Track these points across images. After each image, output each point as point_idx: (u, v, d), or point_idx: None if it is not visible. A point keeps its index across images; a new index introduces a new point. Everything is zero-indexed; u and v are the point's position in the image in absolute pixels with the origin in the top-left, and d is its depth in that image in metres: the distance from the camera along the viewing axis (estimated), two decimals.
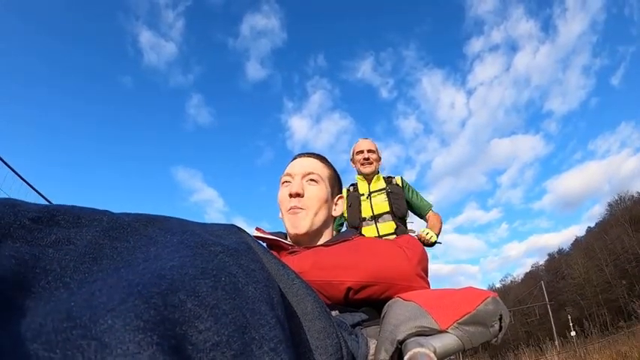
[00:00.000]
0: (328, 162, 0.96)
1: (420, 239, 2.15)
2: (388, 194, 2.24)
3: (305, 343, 0.36)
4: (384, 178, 2.37)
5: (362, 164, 2.31)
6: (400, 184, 2.32)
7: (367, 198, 2.28)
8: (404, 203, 2.25)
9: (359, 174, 2.37)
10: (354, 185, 2.39)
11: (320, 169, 0.91)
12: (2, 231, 0.26)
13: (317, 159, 0.94)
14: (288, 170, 0.92)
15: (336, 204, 0.94)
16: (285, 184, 0.90)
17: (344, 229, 2.36)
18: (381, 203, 2.24)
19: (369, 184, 2.32)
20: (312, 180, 0.88)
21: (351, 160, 2.45)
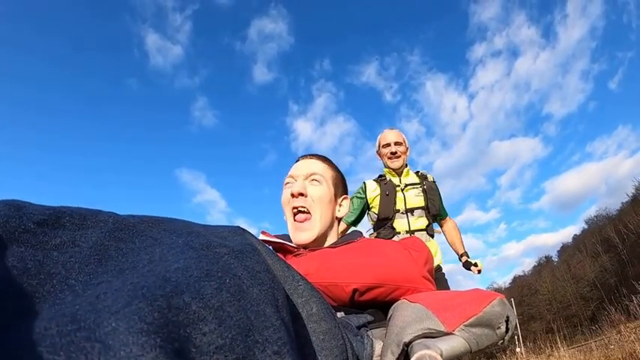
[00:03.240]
0: (331, 163, 0.96)
1: (477, 270, 2.11)
2: (425, 190, 2.17)
3: (310, 344, 0.35)
4: (416, 173, 2.29)
5: (389, 158, 2.20)
6: (434, 182, 2.26)
7: (400, 190, 2.19)
8: (438, 202, 2.19)
9: (386, 167, 2.27)
10: (383, 177, 2.27)
11: (322, 170, 0.90)
12: (7, 235, 0.26)
13: (320, 160, 0.94)
14: (290, 172, 0.91)
15: (340, 205, 0.93)
16: (288, 185, 0.90)
17: (365, 225, 2.32)
18: (416, 197, 2.16)
19: (399, 176, 2.23)
20: (314, 180, 0.88)
21: (377, 152, 2.35)
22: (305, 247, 0.84)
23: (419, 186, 2.20)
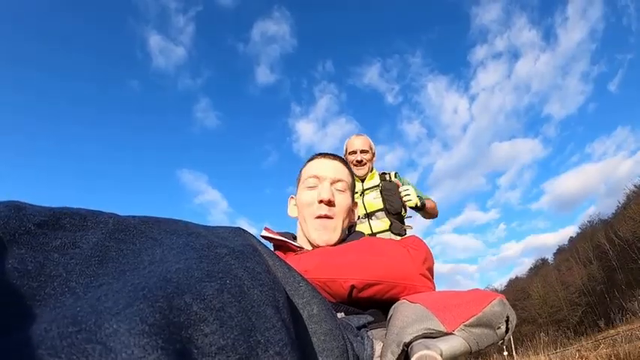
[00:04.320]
0: (350, 167, 0.93)
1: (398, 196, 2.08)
2: (381, 191, 2.18)
3: (311, 345, 0.35)
4: (378, 174, 2.29)
5: (354, 165, 2.22)
6: (393, 180, 2.24)
7: (360, 196, 2.21)
8: (398, 199, 2.15)
9: None
10: None
11: (346, 177, 0.88)
12: (7, 237, 0.26)
13: (344, 164, 0.90)
14: (315, 171, 0.86)
15: (353, 211, 0.92)
16: (312, 188, 0.85)
17: None
18: (374, 201, 2.17)
19: (362, 182, 2.25)
20: (339, 189, 0.85)
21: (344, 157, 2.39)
22: (310, 247, 0.84)
23: (377, 188, 2.20)
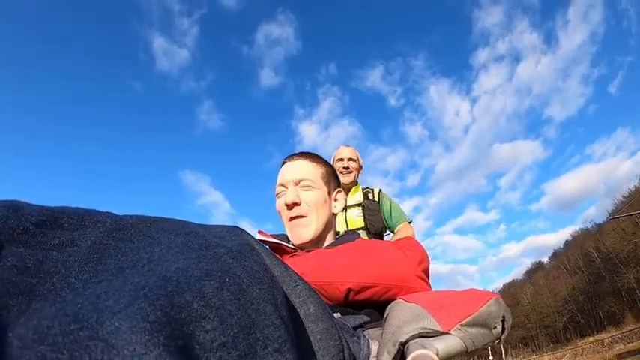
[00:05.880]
0: (318, 159, 0.93)
1: None
2: (364, 210, 2.20)
3: (308, 343, 0.35)
4: (362, 190, 2.31)
5: (341, 172, 2.25)
6: (377, 199, 2.26)
7: (342, 211, 2.21)
8: (380, 219, 2.19)
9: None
10: None
11: (311, 172, 0.89)
12: (6, 236, 0.26)
13: (306, 159, 0.91)
14: (279, 180, 0.90)
15: (335, 199, 0.92)
16: (280, 194, 0.89)
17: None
18: (356, 218, 2.20)
19: (346, 194, 2.24)
20: (306, 186, 0.86)
21: None
22: (302, 247, 0.84)
23: (360, 206, 2.22)
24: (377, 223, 2.18)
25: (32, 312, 0.21)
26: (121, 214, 0.36)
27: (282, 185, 0.88)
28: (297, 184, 0.87)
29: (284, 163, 0.93)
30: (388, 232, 2.29)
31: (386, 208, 2.25)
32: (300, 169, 0.89)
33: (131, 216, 0.35)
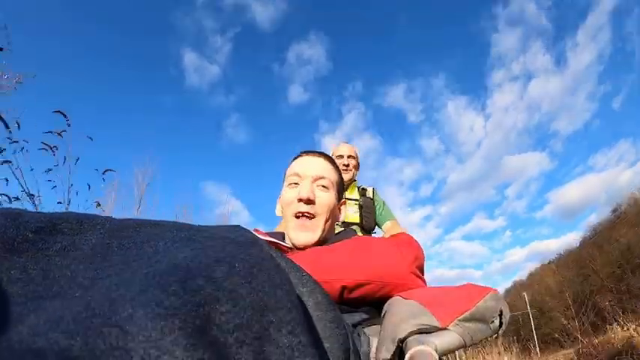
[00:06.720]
0: (335, 165, 0.90)
1: None
2: (360, 206, 2.23)
3: (316, 330, 0.35)
4: (358, 188, 2.34)
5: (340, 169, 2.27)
6: (372, 197, 2.30)
7: None
8: (373, 218, 2.25)
9: None
10: None
11: (330, 174, 0.85)
12: (7, 246, 0.26)
13: (328, 161, 0.87)
14: (296, 169, 0.84)
15: (339, 209, 0.90)
16: (293, 185, 0.83)
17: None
18: (352, 214, 2.23)
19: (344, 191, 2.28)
20: (323, 186, 0.82)
21: None
22: (298, 247, 0.82)
23: (356, 202, 2.26)
24: (370, 221, 2.22)
25: (42, 310, 0.21)
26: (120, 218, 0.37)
27: (299, 176, 0.82)
28: (315, 180, 0.82)
29: (300, 155, 0.89)
30: (377, 229, 2.33)
31: (379, 206, 2.30)
32: (321, 167, 0.84)
33: (130, 218, 0.35)
